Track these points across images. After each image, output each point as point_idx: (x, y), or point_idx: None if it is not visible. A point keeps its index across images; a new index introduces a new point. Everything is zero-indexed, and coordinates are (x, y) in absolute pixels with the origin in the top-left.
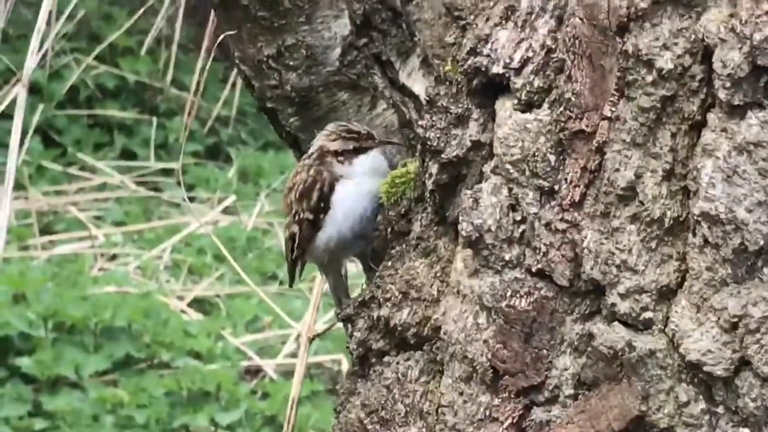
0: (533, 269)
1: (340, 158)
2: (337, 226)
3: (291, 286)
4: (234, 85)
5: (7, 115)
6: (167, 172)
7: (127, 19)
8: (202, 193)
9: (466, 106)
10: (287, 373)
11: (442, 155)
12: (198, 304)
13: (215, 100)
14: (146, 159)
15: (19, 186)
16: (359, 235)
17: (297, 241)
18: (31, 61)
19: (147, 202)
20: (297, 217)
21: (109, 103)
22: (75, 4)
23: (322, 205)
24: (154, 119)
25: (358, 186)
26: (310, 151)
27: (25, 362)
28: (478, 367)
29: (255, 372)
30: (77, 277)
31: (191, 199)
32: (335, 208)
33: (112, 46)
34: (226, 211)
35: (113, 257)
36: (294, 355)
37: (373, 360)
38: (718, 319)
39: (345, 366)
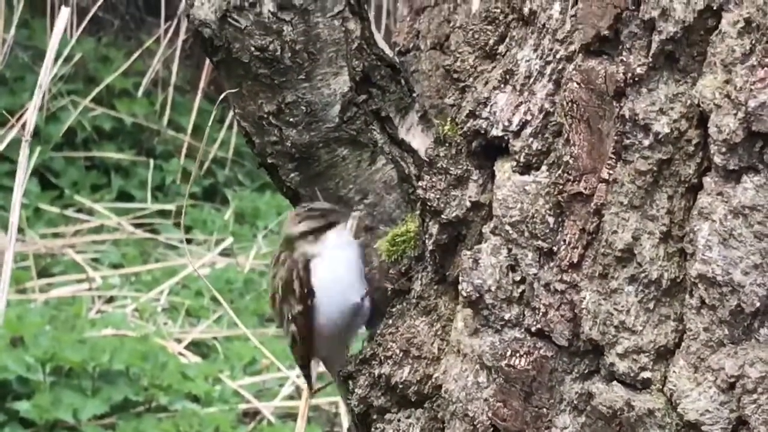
0: (533, 329)
1: (310, 237)
2: (328, 305)
3: (311, 389)
4: (231, 126)
5: (2, 156)
6: (164, 214)
7: (124, 60)
8: (199, 234)
9: (465, 168)
10: (285, 416)
11: (442, 216)
12: (196, 346)
13: (212, 141)
14: (143, 201)
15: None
16: (352, 307)
17: (300, 339)
18: (33, 113)
19: (144, 244)
20: (290, 317)
21: (106, 145)
22: (72, 46)
23: (305, 290)
24: (151, 161)
25: (332, 261)
26: (278, 249)
27: (23, 406)
28: (478, 426)
29: (253, 415)
30: (75, 320)
31: (188, 241)
32: (318, 291)
33: (109, 88)
34: (223, 252)
35: (111, 299)
36: (292, 397)
37: (375, 417)
38: (716, 379)
39: (342, 408)
